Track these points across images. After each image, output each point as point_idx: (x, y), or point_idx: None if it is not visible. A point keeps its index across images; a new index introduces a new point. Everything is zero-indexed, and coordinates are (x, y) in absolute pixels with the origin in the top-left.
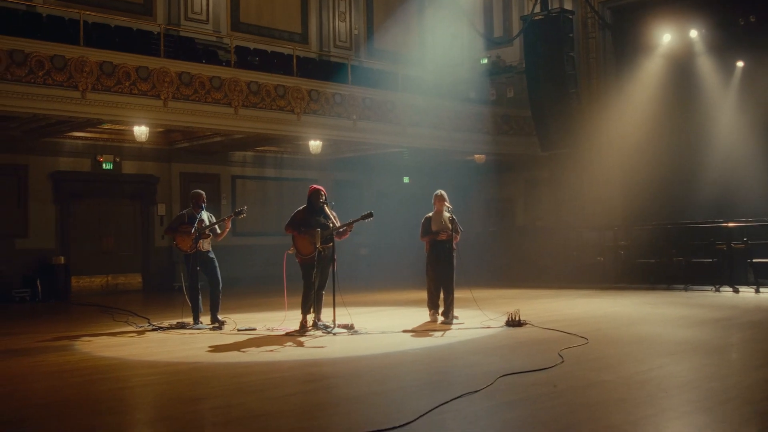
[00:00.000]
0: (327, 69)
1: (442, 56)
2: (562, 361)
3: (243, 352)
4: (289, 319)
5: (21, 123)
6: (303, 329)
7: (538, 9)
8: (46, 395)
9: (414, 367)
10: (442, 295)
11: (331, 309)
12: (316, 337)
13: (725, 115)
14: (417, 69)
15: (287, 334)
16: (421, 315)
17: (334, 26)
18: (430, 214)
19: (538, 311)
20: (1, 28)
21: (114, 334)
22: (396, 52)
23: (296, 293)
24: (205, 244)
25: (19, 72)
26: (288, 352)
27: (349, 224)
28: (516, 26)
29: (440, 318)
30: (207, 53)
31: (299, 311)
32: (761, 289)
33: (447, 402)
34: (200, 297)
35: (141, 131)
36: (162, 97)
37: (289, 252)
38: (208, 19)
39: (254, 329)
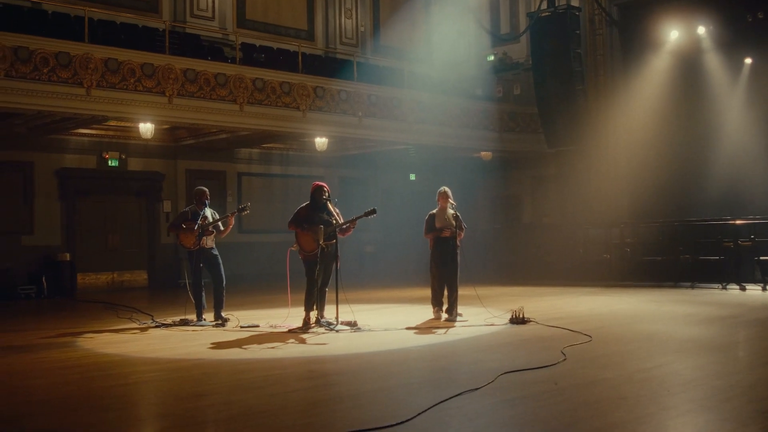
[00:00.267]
0: (332, 66)
1: (448, 53)
2: (565, 359)
3: (245, 349)
4: (292, 316)
5: (26, 120)
6: (306, 326)
7: (545, 6)
8: (46, 392)
9: (416, 364)
10: (446, 293)
11: (335, 306)
12: (318, 334)
13: (733, 111)
14: (423, 66)
15: (290, 331)
16: (425, 312)
17: (340, 23)
18: (434, 211)
19: (542, 308)
20: (6, 25)
21: (117, 331)
22: (402, 49)
23: (300, 290)
24: (209, 241)
25: (23, 69)
26: (290, 349)
27: (352, 221)
28: (523, 23)
29: (444, 315)
30: (212, 50)
31: (302, 308)
32: None
33: (448, 399)
34: (203, 294)
35: (146, 128)
36: (167, 94)
37: (292, 249)
38: (213, 16)
39: (257, 326)
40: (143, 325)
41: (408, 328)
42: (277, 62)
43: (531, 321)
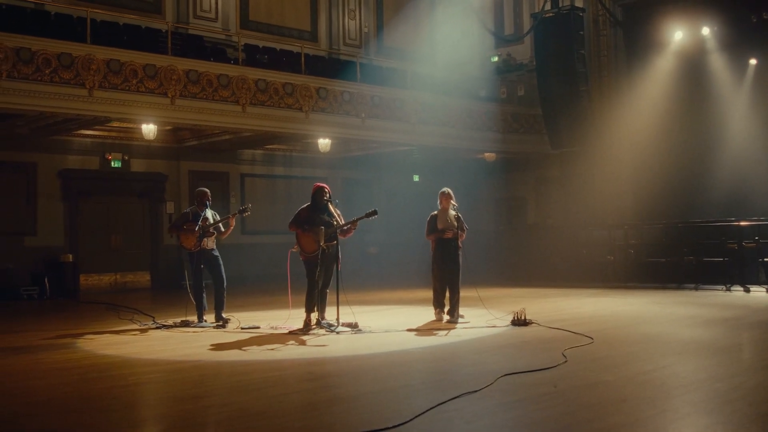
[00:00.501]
0: (336, 67)
1: (451, 54)
2: (566, 361)
3: (244, 350)
4: (293, 317)
5: (28, 121)
6: (307, 328)
7: (548, 6)
8: (45, 393)
9: (416, 366)
10: (447, 294)
11: (335, 307)
12: (319, 335)
13: (737, 112)
14: (426, 67)
15: (290, 333)
16: (426, 314)
17: (343, 24)
18: (436, 212)
19: (545, 310)
20: (9, 26)
21: (117, 332)
22: (405, 50)
23: (301, 292)
24: (210, 242)
25: (26, 70)
26: (290, 351)
27: (353, 222)
28: (527, 24)
29: (446, 317)
30: (215, 51)
31: (303, 310)
32: None
33: (445, 402)
34: (204, 295)
35: (149, 129)
36: (169, 95)
37: (293, 250)
38: (217, 17)
39: (258, 327)
40: (144, 327)
41: (409, 330)
42: (280, 63)
43: (533, 323)
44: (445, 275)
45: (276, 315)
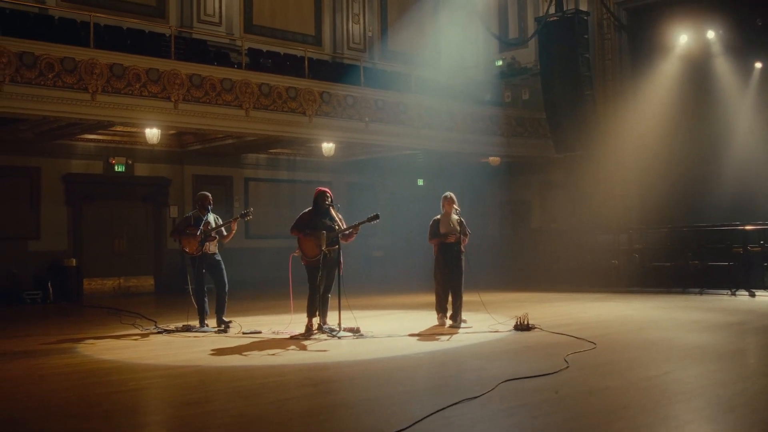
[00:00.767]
0: (339, 71)
1: (456, 58)
2: (567, 367)
3: (245, 355)
4: (295, 322)
5: (32, 125)
6: (308, 332)
7: (553, 10)
8: (42, 398)
9: (417, 371)
10: (450, 299)
11: (337, 312)
12: (320, 340)
13: (743, 116)
14: (431, 71)
15: (292, 338)
16: (429, 319)
17: (347, 28)
18: (439, 216)
19: (549, 315)
20: (12, 31)
21: (119, 337)
22: (409, 54)
23: (303, 296)
24: (212, 247)
25: (29, 74)
26: (290, 356)
27: (355, 226)
28: (531, 27)
29: (448, 322)
30: (219, 55)
31: (305, 314)
32: None
33: (444, 408)
34: (206, 300)
35: (152, 133)
36: (172, 99)
37: (295, 254)
38: (221, 21)
39: (259, 332)
40: (145, 331)
41: (411, 335)
42: (284, 67)
43: (536, 327)
44: (447, 280)
45: (278, 320)
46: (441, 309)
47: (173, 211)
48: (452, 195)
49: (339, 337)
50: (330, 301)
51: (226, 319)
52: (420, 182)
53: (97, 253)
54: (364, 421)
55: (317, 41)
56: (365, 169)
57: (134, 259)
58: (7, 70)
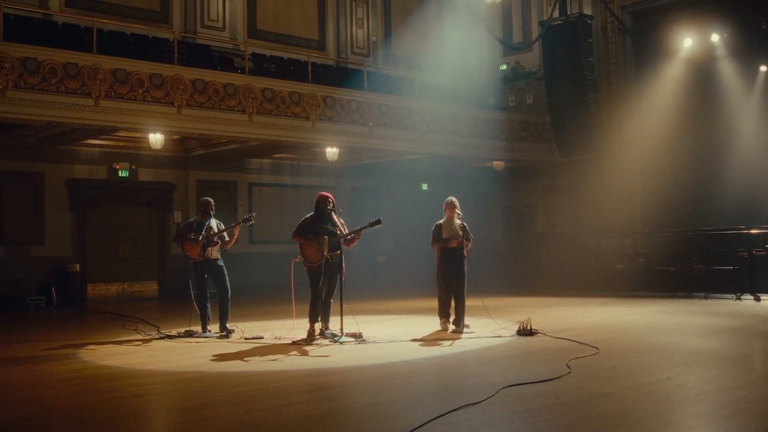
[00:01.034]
0: (343, 75)
1: (460, 62)
2: (569, 372)
3: (246, 361)
4: (297, 327)
5: (35, 131)
6: (310, 338)
7: (557, 14)
8: (40, 404)
9: (418, 377)
10: (453, 304)
11: (339, 317)
12: (322, 346)
13: (748, 120)
14: (435, 75)
15: (294, 343)
16: (432, 324)
17: (351, 33)
18: (441, 221)
19: (552, 320)
20: (16, 36)
21: (120, 343)
22: (413, 58)
23: (305, 301)
24: (214, 252)
25: (32, 80)
26: (291, 362)
27: (357, 231)
28: (535, 31)
29: (451, 327)
30: (222, 60)
31: (307, 320)
32: None
33: (444, 414)
34: (209, 305)
35: (156, 139)
36: (176, 104)
37: (296, 260)
38: (224, 27)
39: (261, 338)
40: (147, 337)
41: (413, 340)
42: (287, 72)
43: (539, 332)
44: (450, 285)
45: (280, 325)
46: (444, 314)
47: (177, 217)
48: (454, 200)
49: (341, 343)
50: (332, 306)
51: (228, 326)
52: (424, 187)
53: (100, 258)
54: (364, 427)
55: (321, 46)
56: (369, 173)
57: (138, 265)
58: (10, 75)
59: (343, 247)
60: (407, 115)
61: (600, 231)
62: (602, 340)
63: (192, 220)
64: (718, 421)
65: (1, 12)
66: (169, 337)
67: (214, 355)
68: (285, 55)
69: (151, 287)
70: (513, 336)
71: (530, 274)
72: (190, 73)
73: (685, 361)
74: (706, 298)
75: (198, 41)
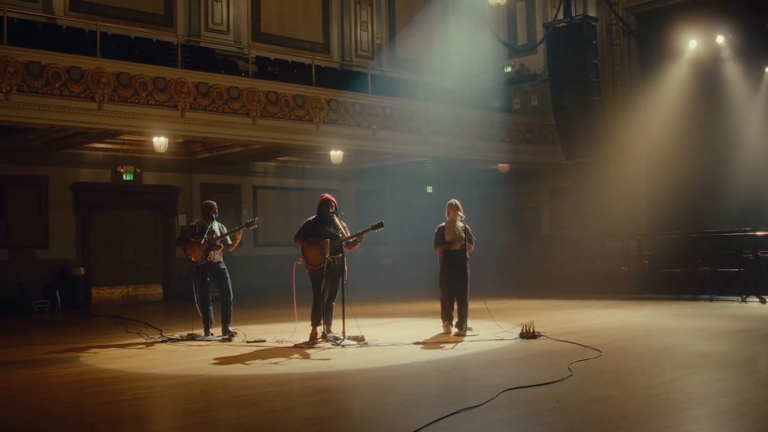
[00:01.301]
0: (347, 78)
1: (464, 64)
2: (570, 375)
3: (247, 364)
4: (299, 330)
5: (39, 134)
6: (312, 341)
7: (561, 16)
8: (39, 407)
9: (419, 380)
10: (456, 306)
11: (341, 320)
12: (324, 349)
13: (753, 121)
14: (439, 77)
15: (296, 346)
16: (435, 326)
17: (356, 36)
18: (444, 223)
19: (556, 322)
20: (21, 40)
21: (123, 346)
22: (418, 61)
23: (308, 304)
24: (217, 255)
25: (35, 84)
26: (292, 365)
27: (359, 234)
28: (540, 33)
29: (454, 330)
30: (227, 63)
31: (310, 323)
32: None
33: (442, 418)
34: (211, 308)
35: (160, 142)
36: (179, 108)
37: (299, 263)
38: (228, 30)
39: (263, 341)
40: (150, 340)
41: (415, 343)
42: (292, 75)
43: (542, 335)
44: (453, 287)
45: (283, 328)
46: (446, 317)
47: (181, 220)
48: (457, 202)
49: (343, 346)
50: (334, 309)
51: (231, 329)
52: (429, 189)
53: (105, 261)
54: (364, 430)
55: (325, 49)
56: (374, 176)
57: (142, 268)
58: (14, 79)
59: (345, 250)
60: (411, 118)
61: (605, 233)
62: (605, 342)
63: (194, 223)
64: (718, 424)
65: (5, 16)
66: (172, 340)
67: (215, 359)
68: (289, 58)
69: (156, 290)
70: (516, 339)
71: (535, 276)
72: (193, 77)
73: (688, 364)
74: (711, 300)
75: (202, 45)
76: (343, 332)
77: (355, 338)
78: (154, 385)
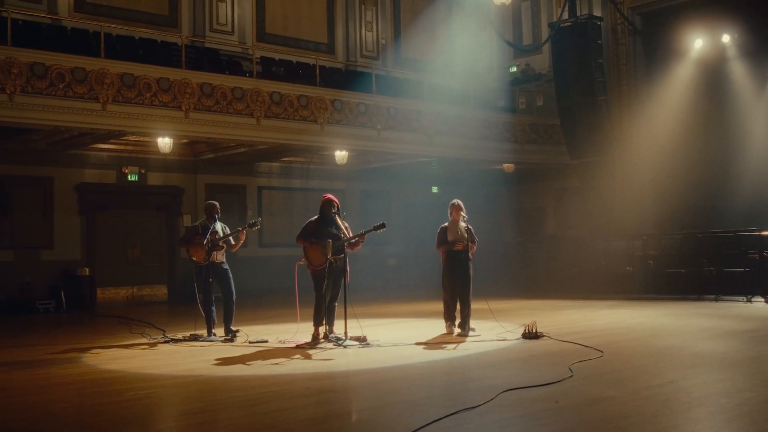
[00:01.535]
0: (352, 78)
1: (469, 64)
2: (571, 375)
3: (249, 365)
4: (301, 331)
5: (44, 135)
6: (315, 341)
7: (566, 15)
8: (39, 408)
9: (420, 380)
10: (458, 307)
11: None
12: (326, 349)
13: (759, 121)
14: (444, 78)
15: (298, 347)
16: (437, 327)
17: (360, 36)
18: (446, 224)
19: (559, 323)
20: (24, 41)
21: (126, 346)
22: (422, 61)
23: (310, 305)
24: (219, 256)
25: (39, 84)
26: (294, 365)
27: (361, 235)
28: (545, 33)
29: (456, 330)
30: (231, 64)
31: (312, 323)
32: None
33: (441, 418)
34: (214, 309)
35: (165, 143)
36: (183, 108)
37: (300, 263)
38: (233, 31)
39: (266, 341)
40: (153, 341)
41: (418, 344)
42: (296, 76)
43: (544, 336)
44: (455, 288)
45: (285, 328)
46: (449, 317)
47: (186, 220)
48: (460, 202)
49: (345, 346)
50: (336, 310)
51: (233, 328)
52: (434, 189)
53: (110, 262)
54: (363, 431)
55: (330, 49)
56: (378, 176)
57: (147, 268)
58: (18, 80)
59: (348, 250)
60: (416, 118)
61: (610, 233)
62: (608, 343)
63: (197, 223)
64: (717, 425)
65: (9, 17)
66: (175, 340)
67: (217, 359)
68: (293, 59)
69: (161, 291)
70: (518, 339)
71: (540, 276)
72: (197, 77)
73: (690, 365)
74: (716, 300)
75: (207, 45)
76: (345, 332)
77: (357, 338)
78: (155, 385)
